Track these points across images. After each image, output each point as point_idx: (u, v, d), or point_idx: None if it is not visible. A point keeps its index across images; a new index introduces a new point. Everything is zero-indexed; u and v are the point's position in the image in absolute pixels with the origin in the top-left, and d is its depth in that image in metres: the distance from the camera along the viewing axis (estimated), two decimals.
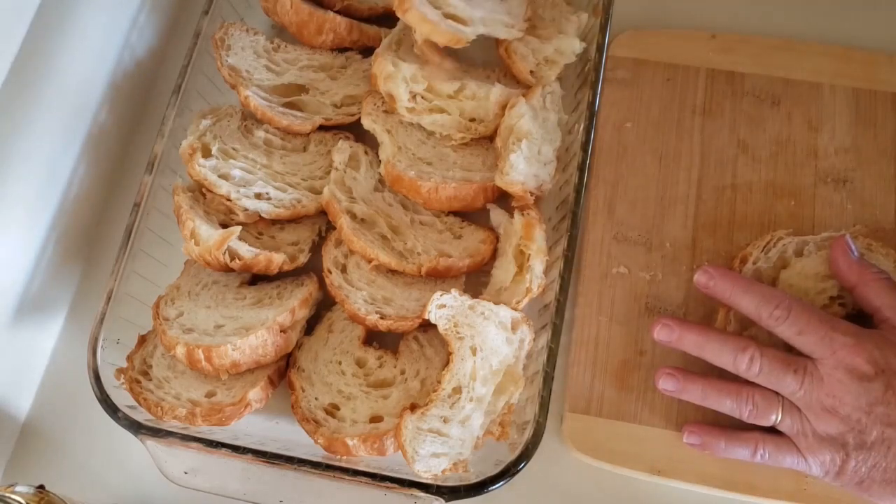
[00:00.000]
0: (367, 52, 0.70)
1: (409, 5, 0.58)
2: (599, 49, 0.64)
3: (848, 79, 0.71)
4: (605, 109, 0.70)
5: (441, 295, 0.56)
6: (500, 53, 0.65)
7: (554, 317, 0.57)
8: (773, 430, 0.57)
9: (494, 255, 0.63)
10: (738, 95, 0.71)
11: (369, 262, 0.60)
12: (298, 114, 0.67)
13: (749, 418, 0.56)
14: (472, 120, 0.64)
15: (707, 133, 0.70)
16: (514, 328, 0.57)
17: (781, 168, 0.69)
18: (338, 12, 0.69)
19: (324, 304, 0.64)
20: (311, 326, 0.63)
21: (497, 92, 0.62)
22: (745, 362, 0.56)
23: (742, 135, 0.70)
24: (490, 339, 0.56)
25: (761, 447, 0.56)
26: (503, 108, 0.63)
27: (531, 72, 0.65)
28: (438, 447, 0.54)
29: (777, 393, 0.56)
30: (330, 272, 0.60)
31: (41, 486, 0.55)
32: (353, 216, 0.62)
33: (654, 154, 0.69)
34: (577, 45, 0.65)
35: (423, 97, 0.63)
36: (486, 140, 0.65)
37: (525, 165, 0.60)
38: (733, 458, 0.57)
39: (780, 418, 0.56)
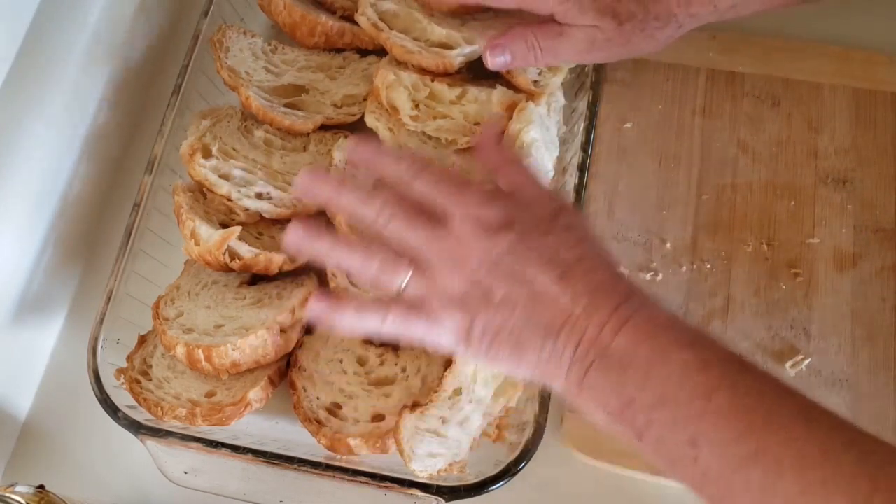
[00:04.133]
0: (365, 52, 0.70)
1: (388, 45, 0.63)
2: None
3: (848, 79, 0.71)
4: (605, 109, 0.70)
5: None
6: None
7: None
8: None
9: None
10: (738, 95, 0.71)
11: None
12: (300, 113, 0.67)
13: (376, 278, 0.49)
14: (476, 124, 0.64)
15: (707, 133, 0.70)
16: None
17: (781, 168, 0.69)
18: (342, 17, 0.70)
19: None
20: (311, 325, 0.63)
21: (499, 93, 0.62)
22: (376, 206, 0.49)
23: (742, 135, 0.70)
24: None
25: (391, 314, 0.48)
26: (506, 110, 0.62)
27: (534, 82, 0.64)
28: (435, 447, 0.54)
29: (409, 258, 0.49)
30: (335, 275, 0.60)
31: (41, 486, 0.55)
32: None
33: (654, 154, 0.69)
34: None
35: (426, 105, 0.63)
36: None
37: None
38: (363, 328, 0.49)
39: (407, 280, 0.48)
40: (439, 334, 0.48)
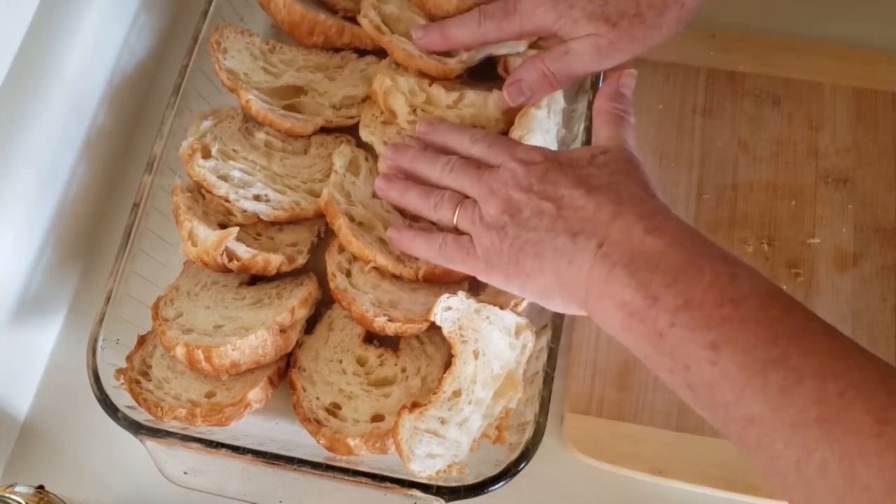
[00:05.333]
0: (363, 52, 0.70)
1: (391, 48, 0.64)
2: None
3: (848, 78, 0.71)
4: None
5: (448, 297, 0.56)
6: (500, 72, 0.65)
7: (554, 317, 0.57)
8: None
9: None
10: (738, 95, 0.71)
11: (367, 263, 0.60)
12: (299, 116, 0.67)
13: (434, 214, 0.57)
14: (473, 127, 0.64)
15: (707, 133, 0.70)
16: (517, 333, 0.57)
17: (782, 168, 0.69)
18: (343, 17, 0.70)
19: (324, 303, 0.64)
20: (311, 325, 0.63)
21: (496, 97, 0.62)
22: (441, 164, 0.57)
23: (742, 135, 0.70)
24: (493, 344, 0.56)
25: (445, 239, 0.56)
26: (503, 113, 0.62)
27: None
28: (435, 448, 0.54)
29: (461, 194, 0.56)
30: (335, 276, 0.60)
31: (41, 486, 0.55)
32: (352, 219, 0.62)
33: (655, 154, 0.69)
34: None
35: (423, 110, 0.63)
36: None
37: None
38: (423, 253, 0.58)
39: (459, 214, 0.55)
40: (475, 259, 0.54)
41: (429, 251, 0.57)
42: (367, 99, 0.67)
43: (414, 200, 0.58)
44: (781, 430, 0.38)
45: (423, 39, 0.62)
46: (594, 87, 0.63)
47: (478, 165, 0.56)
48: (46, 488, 0.54)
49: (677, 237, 0.45)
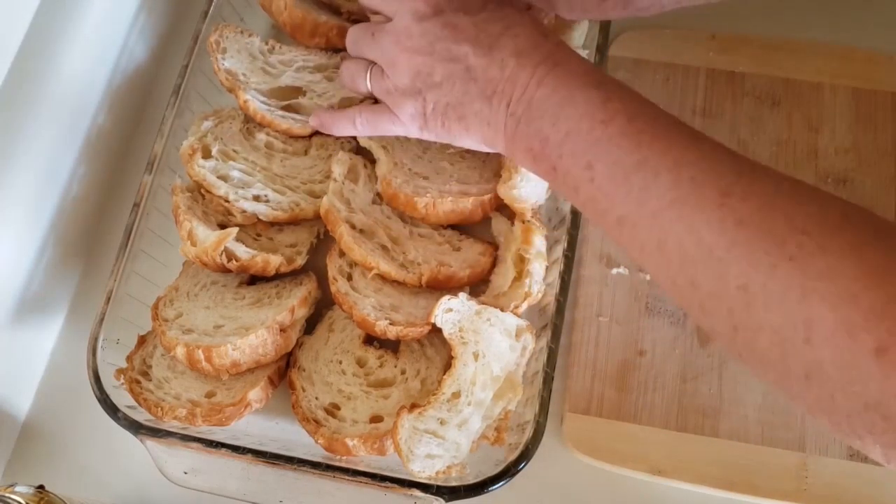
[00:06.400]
0: None
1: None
2: (600, 50, 0.64)
3: (848, 79, 0.71)
4: None
5: (449, 299, 0.56)
6: None
7: (554, 317, 0.57)
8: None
9: (494, 264, 0.63)
10: (738, 95, 0.71)
11: (369, 270, 0.60)
12: (297, 117, 0.67)
13: (350, 85, 0.60)
14: None
15: (707, 133, 0.70)
16: (517, 336, 0.57)
17: (782, 168, 0.67)
18: (347, 19, 0.70)
19: (324, 303, 0.64)
20: (312, 325, 0.63)
21: None
22: (350, 37, 0.59)
23: (742, 135, 0.70)
24: (494, 346, 0.56)
25: (359, 115, 0.59)
26: None
27: None
28: (434, 448, 0.54)
29: (370, 61, 0.58)
30: (336, 280, 0.60)
31: (41, 486, 0.55)
32: (353, 226, 0.61)
33: None
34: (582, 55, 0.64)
35: None
36: (484, 153, 0.65)
37: (536, 180, 0.60)
38: (343, 133, 0.62)
39: (370, 83, 0.57)
40: (403, 125, 0.56)
41: (351, 126, 0.60)
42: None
43: (342, 79, 0.62)
44: (645, 221, 0.43)
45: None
46: None
47: (373, 28, 0.57)
48: (46, 488, 0.54)
49: (561, 78, 0.48)
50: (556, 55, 0.49)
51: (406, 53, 0.53)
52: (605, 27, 0.64)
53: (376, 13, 0.58)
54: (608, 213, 0.45)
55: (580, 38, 0.65)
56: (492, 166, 0.64)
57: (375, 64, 0.57)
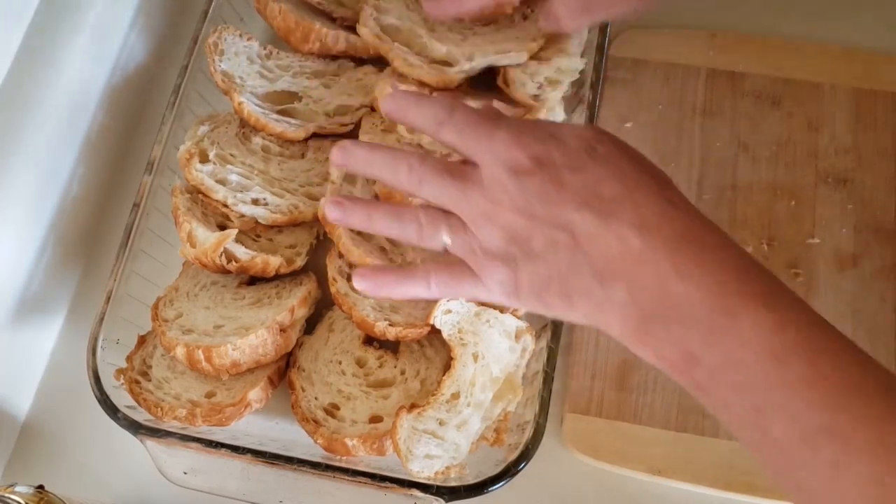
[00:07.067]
0: (360, 61, 0.70)
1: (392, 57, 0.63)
2: (599, 49, 0.64)
3: (848, 79, 0.71)
4: (605, 109, 0.70)
5: (448, 300, 0.56)
6: (500, 84, 0.65)
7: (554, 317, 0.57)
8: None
9: None
10: (738, 95, 0.71)
11: None
12: (292, 121, 0.67)
13: (419, 241, 0.49)
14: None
15: (707, 133, 0.70)
16: (517, 337, 0.57)
17: (782, 168, 0.69)
18: (342, 25, 0.70)
19: (324, 303, 0.64)
20: (312, 325, 0.63)
21: (496, 107, 0.62)
22: (404, 171, 0.48)
23: (742, 135, 0.70)
24: (493, 347, 0.56)
25: (434, 277, 0.48)
26: None
27: (534, 96, 0.63)
28: (433, 449, 0.54)
29: (447, 211, 0.48)
30: (335, 280, 0.60)
31: (41, 486, 0.55)
32: (351, 228, 0.61)
33: (655, 154, 0.69)
34: (579, 64, 0.63)
35: None
36: None
37: None
38: (410, 296, 0.50)
39: (450, 239, 0.47)
40: (488, 290, 0.47)
41: (424, 289, 0.49)
42: (363, 108, 0.68)
43: (386, 227, 0.50)
44: (831, 497, 0.35)
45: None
46: (594, 87, 0.63)
47: (447, 167, 0.47)
48: (46, 488, 0.54)
49: (710, 274, 0.39)
50: (693, 230, 0.41)
51: (499, 213, 0.44)
52: (604, 27, 0.64)
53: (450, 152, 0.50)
54: (782, 475, 0.37)
55: (578, 47, 0.65)
56: None
57: (452, 215, 0.47)
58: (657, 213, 0.41)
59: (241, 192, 0.63)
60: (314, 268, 0.64)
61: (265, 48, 0.69)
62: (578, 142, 0.44)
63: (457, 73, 0.63)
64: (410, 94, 0.51)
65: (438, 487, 0.52)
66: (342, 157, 0.51)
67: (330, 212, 0.51)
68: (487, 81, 0.65)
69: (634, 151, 0.45)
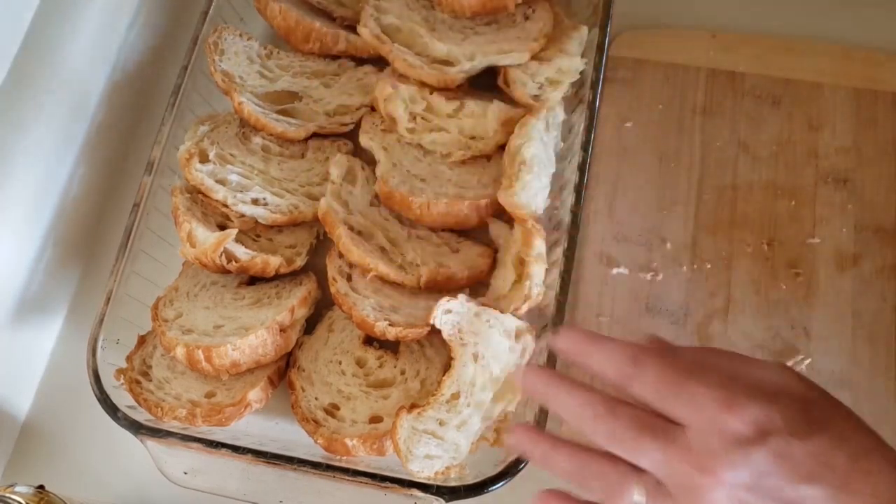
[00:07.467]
0: (360, 60, 0.70)
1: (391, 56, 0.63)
2: (600, 49, 0.64)
3: (848, 79, 0.71)
4: (605, 109, 0.70)
5: (448, 300, 0.56)
6: (500, 84, 0.65)
7: (554, 317, 0.57)
8: None
9: (493, 267, 0.63)
10: (738, 95, 0.71)
11: (368, 271, 0.60)
12: (292, 121, 0.67)
13: (604, 497, 0.43)
14: (472, 137, 0.64)
15: (707, 133, 0.70)
16: (517, 337, 0.57)
17: (782, 168, 0.69)
18: (342, 25, 0.70)
19: (324, 303, 0.64)
20: (312, 325, 0.63)
21: (495, 108, 0.62)
22: (589, 418, 0.43)
23: (742, 135, 0.70)
24: (493, 347, 0.56)
25: None
26: (502, 124, 0.62)
27: (534, 97, 0.63)
28: (433, 449, 0.54)
29: (641, 470, 0.42)
30: (335, 280, 0.60)
31: (41, 486, 0.55)
32: (351, 228, 0.61)
33: (654, 154, 0.69)
34: (580, 64, 0.64)
35: (423, 118, 0.64)
36: (483, 158, 0.65)
37: (536, 188, 0.60)
38: None
39: (644, 500, 0.41)
40: None
41: None
42: (363, 108, 0.68)
43: (565, 471, 0.45)
44: None
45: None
46: (594, 86, 0.63)
47: (643, 422, 0.41)
48: (46, 488, 0.55)
49: None
50: None
51: (715, 486, 0.38)
52: (604, 27, 0.64)
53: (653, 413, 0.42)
54: None
55: (578, 47, 0.65)
56: (491, 172, 0.64)
57: (646, 472, 0.41)
58: (892, 483, 0.38)
59: (241, 192, 0.63)
60: (314, 268, 0.64)
61: (265, 48, 0.69)
62: (795, 400, 0.40)
63: (457, 72, 0.63)
64: (582, 334, 0.44)
65: (438, 487, 0.52)
66: (523, 380, 0.45)
67: (513, 437, 0.46)
68: (488, 81, 0.65)
69: (845, 407, 0.41)
